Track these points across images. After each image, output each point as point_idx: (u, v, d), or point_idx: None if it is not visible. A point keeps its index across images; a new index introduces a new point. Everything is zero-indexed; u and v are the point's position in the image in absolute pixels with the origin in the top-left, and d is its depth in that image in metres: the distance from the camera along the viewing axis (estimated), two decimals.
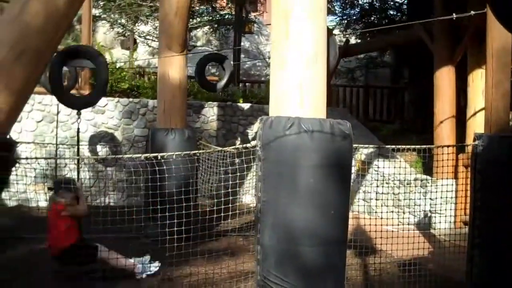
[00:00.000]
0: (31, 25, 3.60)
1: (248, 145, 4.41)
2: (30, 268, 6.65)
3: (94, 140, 11.73)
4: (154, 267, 6.66)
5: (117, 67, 13.26)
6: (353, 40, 18.46)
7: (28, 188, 9.89)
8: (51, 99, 11.35)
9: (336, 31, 18.02)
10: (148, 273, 6.61)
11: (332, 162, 4.09)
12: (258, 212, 4.13)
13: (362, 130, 12.97)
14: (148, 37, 19.38)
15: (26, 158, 5.73)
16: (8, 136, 3.80)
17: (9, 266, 6.73)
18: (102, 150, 11.76)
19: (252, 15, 19.18)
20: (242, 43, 16.90)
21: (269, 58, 20.69)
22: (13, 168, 3.74)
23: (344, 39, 16.48)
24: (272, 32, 4.37)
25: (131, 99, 12.24)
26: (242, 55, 17.18)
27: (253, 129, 12.72)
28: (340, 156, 4.17)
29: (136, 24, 19.12)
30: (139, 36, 19.51)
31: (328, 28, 5.13)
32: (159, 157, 5.12)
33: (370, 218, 8.01)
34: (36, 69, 3.82)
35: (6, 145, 3.60)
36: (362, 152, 11.01)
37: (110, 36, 19.96)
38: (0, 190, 3.57)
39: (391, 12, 18.42)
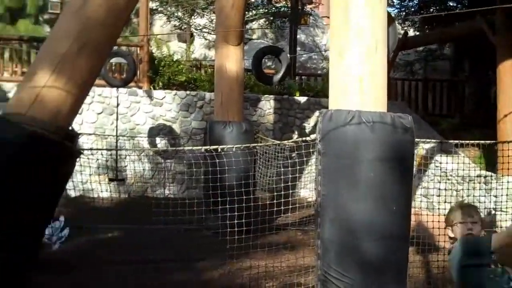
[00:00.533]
0: (93, 18, 3.64)
1: (308, 138, 4.36)
2: (89, 257, 6.80)
3: (153, 132, 11.90)
4: (65, 233, 6.58)
5: (174, 60, 13.39)
6: (411, 33, 18.10)
7: (90, 179, 10.10)
8: (111, 91, 11.56)
9: None
10: (61, 241, 6.54)
11: (393, 156, 4.01)
12: (318, 206, 4.08)
13: (422, 124, 12.70)
14: (204, 30, 19.50)
15: (90, 149, 5.83)
16: (70, 128, 3.87)
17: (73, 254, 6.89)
18: (160, 142, 11.91)
19: (308, 7, 19.00)
20: (297, 36, 16.78)
21: (325, 51, 20.53)
22: (77, 159, 3.83)
23: (402, 32, 16.16)
24: (331, 23, 4.29)
25: (188, 92, 12.35)
26: (298, 48, 17.06)
27: (310, 123, 12.64)
28: (401, 150, 4.07)
29: (193, 17, 19.27)
30: (196, 29, 19.65)
31: (389, 14, 5.00)
32: (219, 150, 5.13)
33: (433, 215, 7.81)
34: (98, 61, 3.87)
35: (69, 137, 3.66)
36: (423, 146, 10.78)
37: (167, 29, 20.19)
38: (65, 180, 3.64)
39: (451, 4, 17.96)
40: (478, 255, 3.25)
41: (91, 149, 6.32)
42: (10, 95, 11.33)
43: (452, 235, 3.52)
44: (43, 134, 3.29)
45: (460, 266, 3.33)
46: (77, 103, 3.74)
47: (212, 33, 18.50)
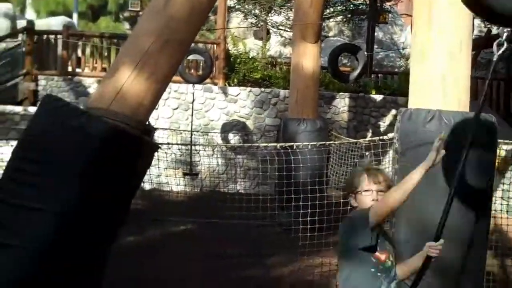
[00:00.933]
0: (176, 17, 3.69)
1: (385, 137, 4.29)
2: (162, 249, 6.96)
3: (226, 128, 12.02)
4: None
5: (249, 57, 13.47)
6: (495, 31, 17.49)
7: (165, 173, 10.31)
8: (187, 88, 11.76)
9: (477, 21, 17.16)
10: None
11: (474, 158, 3.88)
12: None
13: (503, 125, 12.27)
14: (280, 27, 19.53)
15: (167, 144, 5.95)
16: (147, 122, 3.95)
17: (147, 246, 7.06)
18: (233, 138, 12.02)
19: (387, 4, 18.69)
20: (375, 33, 16.54)
21: (403, 49, 20.08)
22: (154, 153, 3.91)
23: (485, 29, 15.65)
24: (414, 22, 4.22)
25: (262, 89, 12.39)
26: (375, 46, 16.80)
27: (385, 121, 12.44)
28: (483, 152, 3.95)
29: (269, 15, 19.34)
30: (272, 27, 19.71)
31: None
32: (294, 147, 5.14)
33: None
34: (179, 57, 3.93)
35: (147, 131, 3.74)
36: (503, 148, 10.42)
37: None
38: (143, 174, 3.72)
39: None
40: (357, 234, 2.65)
41: (168, 143, 6.44)
42: (90, 90, 11.72)
43: (355, 204, 2.89)
44: (125, 128, 3.37)
45: (346, 248, 2.74)
46: (156, 98, 3.81)
47: (288, 30, 18.50)
